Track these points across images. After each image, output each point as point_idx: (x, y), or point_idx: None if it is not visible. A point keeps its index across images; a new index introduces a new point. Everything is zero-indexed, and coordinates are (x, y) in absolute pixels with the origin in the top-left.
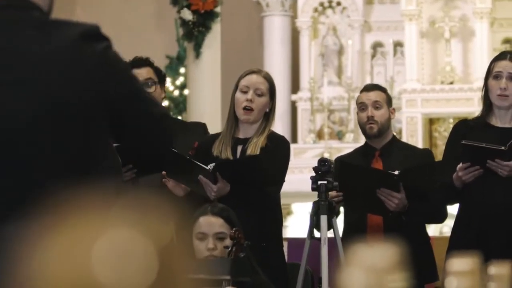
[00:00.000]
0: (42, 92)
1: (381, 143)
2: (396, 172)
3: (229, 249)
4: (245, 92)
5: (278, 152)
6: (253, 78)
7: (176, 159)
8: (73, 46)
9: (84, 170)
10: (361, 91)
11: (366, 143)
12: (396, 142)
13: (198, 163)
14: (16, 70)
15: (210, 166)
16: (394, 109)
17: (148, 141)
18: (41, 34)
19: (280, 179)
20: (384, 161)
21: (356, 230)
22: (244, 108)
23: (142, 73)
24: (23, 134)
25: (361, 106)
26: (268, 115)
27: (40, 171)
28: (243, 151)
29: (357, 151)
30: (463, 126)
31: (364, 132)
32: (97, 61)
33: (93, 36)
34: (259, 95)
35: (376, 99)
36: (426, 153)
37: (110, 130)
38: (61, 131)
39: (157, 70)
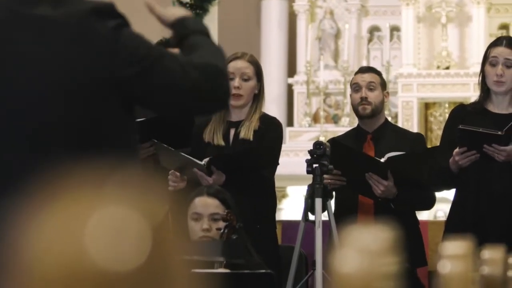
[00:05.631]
0: (45, 67)
1: (374, 127)
2: (382, 160)
3: (222, 231)
4: (231, 79)
5: (270, 134)
6: (238, 64)
7: (170, 154)
8: (81, 22)
9: (88, 147)
10: (356, 73)
11: (358, 126)
12: (388, 125)
13: (193, 159)
14: (20, 43)
15: (205, 161)
16: (388, 92)
17: (184, 111)
18: (49, 8)
19: (273, 162)
20: (376, 144)
21: (347, 211)
22: (233, 95)
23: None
24: (25, 108)
25: (355, 87)
26: (257, 97)
27: (40, 145)
28: (236, 134)
29: (349, 133)
30: (460, 111)
31: (357, 113)
32: (106, 39)
33: (104, 13)
34: (246, 80)
35: (371, 80)
36: (418, 138)
37: (141, 105)
38: (64, 106)
39: None
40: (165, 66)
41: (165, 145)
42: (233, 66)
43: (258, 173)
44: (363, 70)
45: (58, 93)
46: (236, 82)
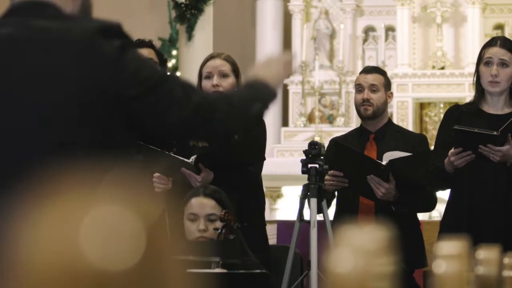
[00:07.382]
0: (49, 77)
1: (376, 127)
2: (384, 163)
3: (219, 231)
4: (210, 78)
5: (254, 131)
6: (214, 62)
7: (156, 156)
8: (88, 39)
9: (85, 148)
10: (360, 73)
11: (361, 126)
12: (391, 126)
13: (180, 157)
14: (29, 56)
15: (192, 158)
16: (391, 92)
17: (190, 137)
18: (58, 24)
19: (259, 156)
20: (379, 144)
21: (347, 212)
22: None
23: (143, 54)
24: (25, 109)
25: (358, 88)
26: None
27: (39, 146)
28: None
29: (352, 133)
30: (455, 112)
31: (359, 114)
32: (110, 58)
33: (111, 32)
34: (224, 76)
35: (373, 82)
36: (421, 139)
37: (141, 125)
38: (63, 108)
39: (158, 53)
40: (168, 89)
41: (151, 146)
42: (210, 65)
43: (245, 170)
44: (367, 70)
45: (58, 96)
46: (214, 80)
